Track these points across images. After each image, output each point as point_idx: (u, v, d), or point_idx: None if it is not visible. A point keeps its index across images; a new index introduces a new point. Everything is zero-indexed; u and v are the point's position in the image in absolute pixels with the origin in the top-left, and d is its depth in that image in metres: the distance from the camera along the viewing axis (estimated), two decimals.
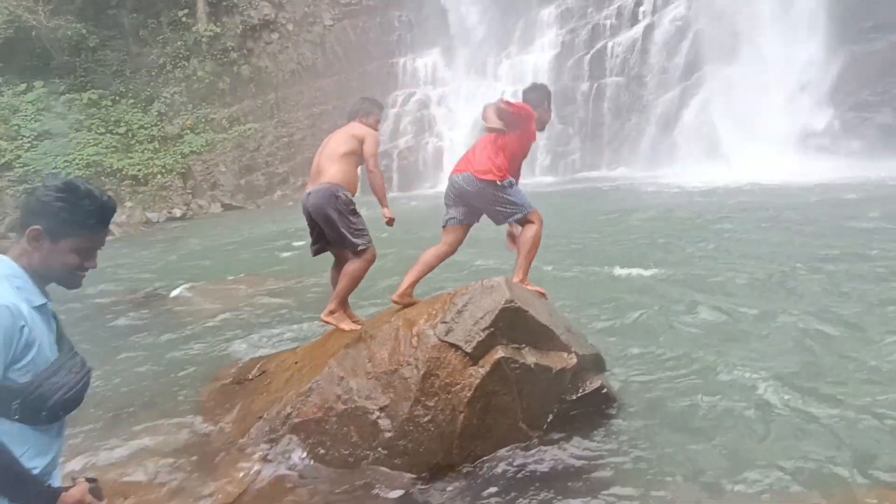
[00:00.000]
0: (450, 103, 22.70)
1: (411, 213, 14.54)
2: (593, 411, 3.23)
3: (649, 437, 3.09)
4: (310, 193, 3.65)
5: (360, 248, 3.60)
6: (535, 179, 20.07)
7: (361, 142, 3.69)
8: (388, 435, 2.97)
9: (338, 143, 3.71)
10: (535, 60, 22.42)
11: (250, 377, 3.99)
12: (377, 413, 3.02)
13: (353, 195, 3.68)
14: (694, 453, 2.91)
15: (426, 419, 2.94)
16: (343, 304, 3.73)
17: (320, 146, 3.84)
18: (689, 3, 18.95)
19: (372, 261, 3.68)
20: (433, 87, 23.34)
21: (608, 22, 21.28)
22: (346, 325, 3.64)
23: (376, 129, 3.88)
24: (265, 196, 21.04)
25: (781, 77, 16.12)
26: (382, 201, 3.74)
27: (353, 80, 23.53)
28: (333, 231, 3.61)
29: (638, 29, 20.23)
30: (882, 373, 3.59)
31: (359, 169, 3.80)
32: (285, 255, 9.71)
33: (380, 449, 2.98)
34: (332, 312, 3.69)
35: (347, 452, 3.04)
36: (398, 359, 3.11)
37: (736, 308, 4.88)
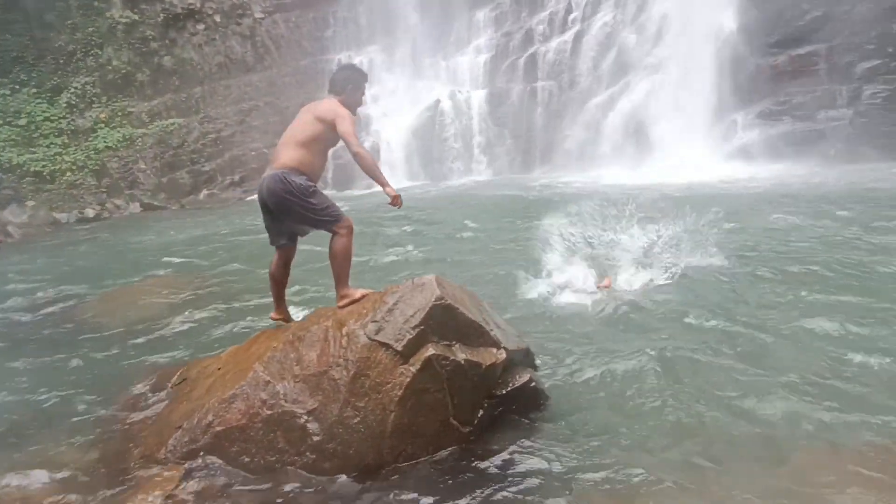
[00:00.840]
0: (387, 102, 22.54)
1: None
2: (522, 405, 3.30)
3: (575, 428, 3.20)
4: (264, 178, 3.40)
5: (331, 224, 3.33)
6: (474, 178, 20.38)
7: (331, 125, 3.35)
8: (316, 439, 2.90)
9: (301, 126, 3.42)
10: (471, 62, 22.71)
11: (169, 386, 3.77)
12: (305, 417, 2.94)
13: (311, 180, 3.37)
14: (617, 446, 3.03)
15: (356, 420, 2.89)
16: (347, 285, 3.41)
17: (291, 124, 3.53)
18: (615, 12, 19.87)
19: (351, 230, 3.40)
20: (369, 84, 23.05)
21: (541, 27, 21.90)
22: (361, 293, 3.36)
23: (362, 105, 3.60)
24: (190, 195, 19.99)
25: (698, 87, 17.23)
26: (380, 180, 3.38)
27: (286, 76, 22.85)
28: (294, 218, 3.38)
29: (569, 35, 20.95)
30: (799, 376, 3.89)
31: (328, 154, 3.52)
32: (210, 256, 9.24)
33: (308, 453, 2.90)
34: (343, 297, 3.38)
35: (274, 459, 2.93)
36: (327, 360, 3.04)
37: (654, 299, 5.14)
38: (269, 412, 3.01)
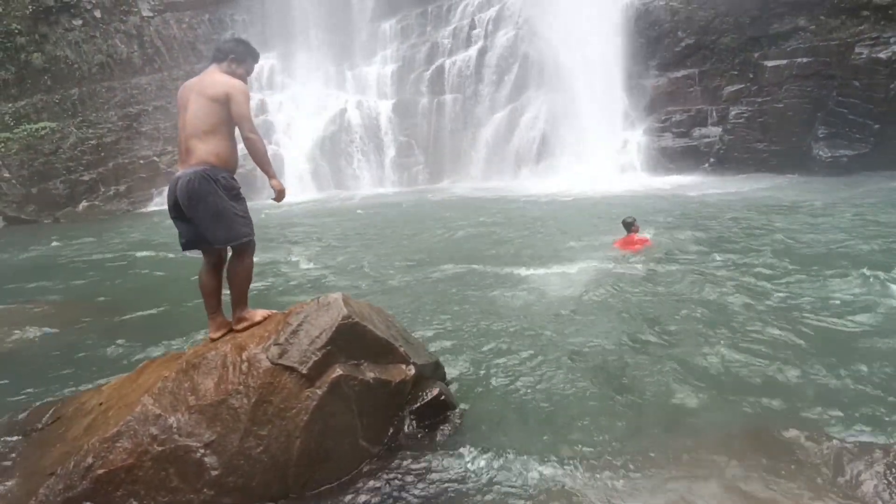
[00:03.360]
0: (290, 109, 21.85)
1: None
2: (433, 419, 3.31)
3: (486, 438, 3.27)
4: (179, 178, 3.01)
5: (242, 238, 3.07)
6: (383, 189, 20.29)
7: (228, 102, 3.00)
8: (214, 473, 2.71)
9: (200, 112, 3.01)
10: (378, 72, 22.69)
11: (40, 426, 3.35)
12: (202, 450, 2.74)
13: (233, 174, 3.10)
14: (527, 452, 3.12)
15: (258, 450, 2.74)
16: (246, 306, 3.19)
17: (180, 109, 3.15)
18: (517, 31, 20.83)
19: (254, 250, 3.20)
20: (271, 91, 22.26)
21: (446, 41, 22.42)
22: (261, 314, 3.16)
23: (246, 83, 3.17)
24: (66, 208, 18.05)
25: (592, 103, 18.50)
26: (268, 171, 3.09)
27: (179, 79, 21.39)
28: (213, 222, 2.99)
29: (473, 50, 21.63)
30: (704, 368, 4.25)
31: (236, 137, 3.11)
32: (88, 278, 8.37)
33: (205, 490, 2.70)
34: (241, 319, 3.15)
35: (167, 500, 2.69)
36: (226, 388, 2.86)
37: (564, 304, 5.41)
38: (159, 448, 2.77)
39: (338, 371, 2.89)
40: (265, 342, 2.98)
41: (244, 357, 2.92)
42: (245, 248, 3.15)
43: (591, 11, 18.34)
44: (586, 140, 18.20)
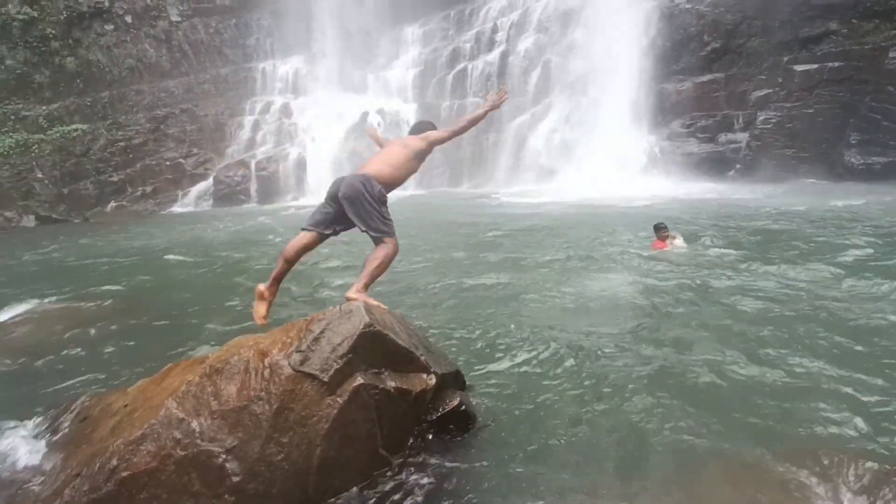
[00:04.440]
0: (313, 113, 22.10)
1: (248, 231, 13.77)
2: (453, 430, 3.28)
3: (507, 449, 3.22)
4: (345, 177, 3.72)
5: (384, 235, 3.66)
6: (403, 193, 20.38)
7: (415, 151, 3.88)
8: (235, 479, 2.71)
9: (390, 152, 3.86)
10: (400, 76, 22.83)
11: (66, 427, 3.41)
12: (223, 456, 2.75)
13: (387, 190, 3.76)
14: (546, 464, 3.08)
15: (279, 457, 2.74)
16: (366, 287, 3.62)
17: (380, 146, 4.09)
18: (538, 36, 20.75)
19: (397, 248, 3.76)
20: (295, 95, 22.55)
21: (468, 45, 22.46)
22: (374, 302, 3.45)
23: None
24: (95, 207, 18.51)
25: (614, 108, 18.31)
26: (479, 115, 3.94)
27: (205, 83, 21.86)
28: (358, 214, 3.62)
29: (495, 54, 21.62)
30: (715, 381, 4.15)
31: (407, 172, 3.90)
32: (117, 276, 8.55)
33: (226, 496, 2.70)
34: (356, 298, 3.46)
35: None
36: (248, 394, 2.87)
37: (583, 314, 5.34)
38: (182, 453, 2.78)
39: (359, 380, 2.88)
40: (287, 349, 2.98)
41: (266, 363, 2.93)
42: (382, 242, 3.67)
43: (615, 16, 18.19)
44: (609, 146, 18.01)
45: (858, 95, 15.59)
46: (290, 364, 2.90)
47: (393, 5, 22.75)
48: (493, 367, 4.29)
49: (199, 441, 2.80)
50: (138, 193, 19.32)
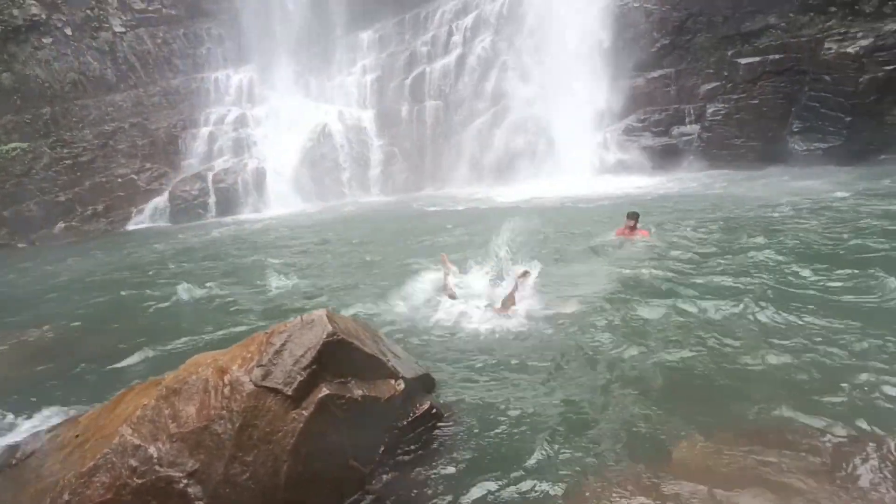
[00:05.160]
0: (271, 123, 21.67)
1: (200, 245, 13.40)
2: (425, 433, 3.23)
3: (478, 449, 3.19)
4: None
5: None
6: (368, 199, 20.18)
7: None
8: (199, 503, 2.60)
9: None
10: (358, 82, 22.63)
11: (13, 463, 3.20)
12: (185, 480, 2.63)
13: None
14: (518, 462, 3.06)
15: (245, 476, 2.64)
16: None
17: None
18: (494, 37, 20.92)
19: None
20: (251, 105, 22.06)
21: (425, 49, 22.44)
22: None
23: None
24: (42, 230, 17.63)
25: (571, 107, 18.61)
26: None
27: (155, 95, 21.15)
28: None
29: (452, 57, 21.67)
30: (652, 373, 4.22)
31: None
32: (66, 302, 8.13)
33: None
34: None
35: None
36: (208, 413, 2.76)
37: (545, 319, 5.37)
38: (140, 481, 2.65)
39: (324, 390, 2.80)
40: (248, 364, 2.88)
41: (226, 380, 2.82)
42: None
43: (567, 16, 18.52)
44: (567, 143, 18.31)
45: (798, 85, 16.31)
46: (251, 380, 2.80)
47: (347, 11, 22.54)
48: (462, 367, 4.25)
49: (157, 467, 2.68)
50: (89, 212, 18.51)
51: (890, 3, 15.31)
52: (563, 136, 18.44)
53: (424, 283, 6.23)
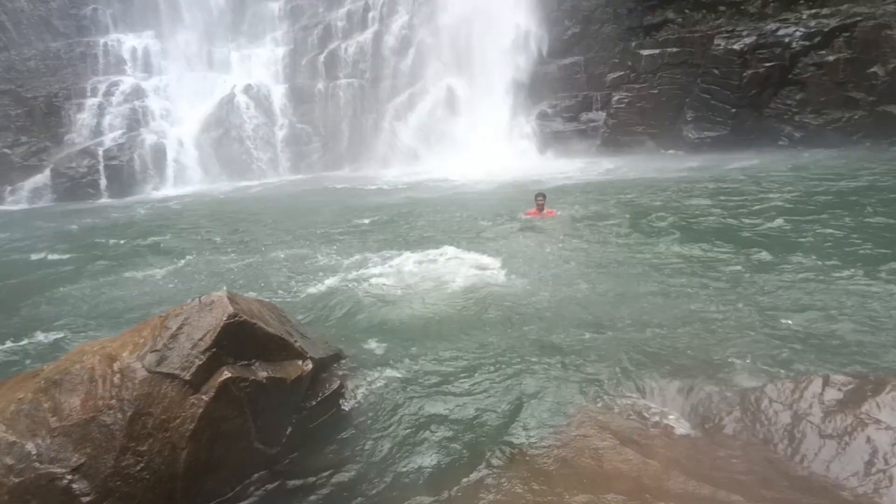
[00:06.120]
0: (171, 95, 20.08)
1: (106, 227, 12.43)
2: (334, 413, 3.23)
3: (388, 432, 3.24)
4: None
5: None
6: (279, 178, 19.37)
7: None
8: (86, 499, 2.44)
9: None
10: (268, 55, 21.51)
11: None
12: (69, 477, 2.45)
13: None
14: (428, 442, 3.13)
15: (139, 468, 2.51)
16: None
17: None
18: (411, 15, 20.65)
19: None
20: (147, 75, 20.29)
21: (340, 23, 21.71)
22: None
23: None
24: None
25: (486, 90, 18.92)
26: None
27: (31, 60, 18.86)
28: None
29: (368, 34, 21.16)
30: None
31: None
32: None
33: None
34: None
35: None
36: (95, 404, 2.58)
37: (455, 293, 5.50)
38: (17, 480, 2.44)
39: (226, 373, 2.71)
40: (140, 350, 2.72)
41: (115, 368, 2.65)
42: None
43: (484, 0, 18.67)
44: (482, 125, 18.63)
45: (692, 77, 17.68)
46: (144, 366, 2.65)
47: None
48: (375, 347, 4.27)
49: (36, 464, 2.48)
50: None
51: (771, 4, 16.90)
52: (478, 120, 18.74)
53: (335, 264, 6.15)
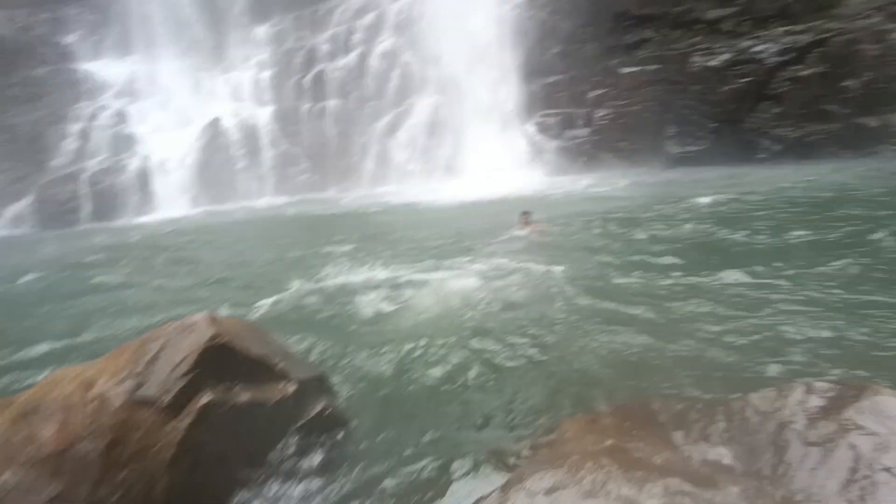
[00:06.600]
0: (156, 119, 20.09)
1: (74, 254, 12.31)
2: (319, 436, 3.18)
3: (375, 456, 3.19)
4: None
5: None
6: (266, 200, 19.33)
7: None
8: None
9: None
10: (253, 79, 21.65)
11: None
12: None
13: None
14: (415, 462, 3.09)
15: (115, 498, 2.44)
16: None
17: None
18: (396, 38, 20.97)
19: None
20: (132, 99, 20.30)
21: (324, 47, 21.96)
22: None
23: None
24: None
25: (471, 110, 19.16)
26: None
27: (15, 86, 18.81)
28: None
29: (353, 56, 21.41)
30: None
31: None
32: None
33: None
34: None
35: None
36: (71, 433, 2.52)
37: (447, 308, 5.49)
38: None
39: (206, 397, 2.66)
40: (118, 376, 2.67)
41: (92, 395, 2.59)
42: None
43: (467, 21, 19.02)
44: (467, 145, 18.83)
45: (672, 94, 18.07)
46: (121, 392, 2.60)
47: (242, 2, 21.48)
48: (360, 368, 4.23)
49: (10, 496, 2.40)
50: None
51: (745, 22, 17.40)
52: (463, 139, 18.94)
53: (321, 285, 6.13)
